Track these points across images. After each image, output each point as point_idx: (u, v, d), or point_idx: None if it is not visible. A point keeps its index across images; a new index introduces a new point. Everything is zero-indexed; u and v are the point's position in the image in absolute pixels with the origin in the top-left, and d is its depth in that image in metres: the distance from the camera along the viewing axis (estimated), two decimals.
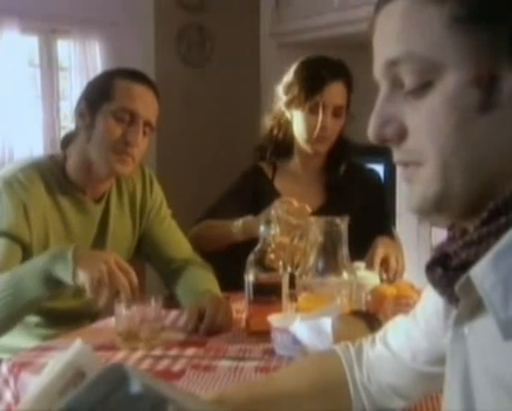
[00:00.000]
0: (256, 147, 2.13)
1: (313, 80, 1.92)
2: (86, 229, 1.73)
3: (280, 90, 2.00)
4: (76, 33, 3.70)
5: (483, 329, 0.62)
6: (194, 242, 1.92)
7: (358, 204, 1.98)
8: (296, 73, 1.96)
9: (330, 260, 1.48)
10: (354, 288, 1.51)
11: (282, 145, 2.05)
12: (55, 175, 1.68)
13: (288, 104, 1.97)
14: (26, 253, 1.59)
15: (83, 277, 1.40)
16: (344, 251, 1.48)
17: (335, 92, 1.93)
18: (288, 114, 2.00)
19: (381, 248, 1.83)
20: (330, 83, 1.91)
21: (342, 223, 1.47)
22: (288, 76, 1.98)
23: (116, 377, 0.58)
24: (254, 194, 2.03)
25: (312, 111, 1.93)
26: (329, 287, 1.46)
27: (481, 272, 0.59)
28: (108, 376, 0.58)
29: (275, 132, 2.04)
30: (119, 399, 0.57)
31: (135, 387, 0.57)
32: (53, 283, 1.45)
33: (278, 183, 2.07)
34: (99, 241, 1.75)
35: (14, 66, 3.48)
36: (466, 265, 0.62)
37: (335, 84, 1.92)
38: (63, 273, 1.42)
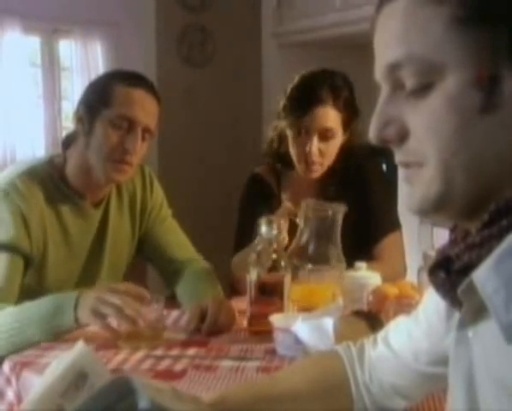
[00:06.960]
0: (263, 154, 2.04)
1: (300, 102, 1.82)
2: (84, 234, 1.72)
3: (280, 103, 1.90)
4: (78, 33, 3.71)
5: (487, 332, 0.62)
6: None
7: (358, 207, 1.94)
8: (292, 90, 1.87)
9: (321, 246, 1.53)
10: (356, 287, 1.53)
11: (284, 158, 1.95)
12: (53, 181, 1.66)
13: (285, 123, 1.89)
14: (28, 262, 1.60)
15: (86, 321, 1.43)
16: (336, 238, 1.53)
17: (319, 117, 1.81)
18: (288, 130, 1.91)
19: None
20: (314, 108, 1.80)
21: (334, 212, 1.54)
22: (287, 91, 1.88)
23: (124, 387, 0.58)
24: (260, 203, 1.93)
25: (299, 135, 1.84)
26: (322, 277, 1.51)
27: (483, 276, 0.59)
28: (116, 386, 0.58)
29: (275, 145, 1.97)
30: (126, 408, 0.57)
31: (143, 402, 0.57)
32: (56, 332, 1.46)
33: (285, 194, 1.99)
34: (98, 245, 1.75)
35: (15, 66, 3.49)
36: (468, 268, 0.61)
37: (320, 108, 1.80)
38: (66, 322, 1.44)
